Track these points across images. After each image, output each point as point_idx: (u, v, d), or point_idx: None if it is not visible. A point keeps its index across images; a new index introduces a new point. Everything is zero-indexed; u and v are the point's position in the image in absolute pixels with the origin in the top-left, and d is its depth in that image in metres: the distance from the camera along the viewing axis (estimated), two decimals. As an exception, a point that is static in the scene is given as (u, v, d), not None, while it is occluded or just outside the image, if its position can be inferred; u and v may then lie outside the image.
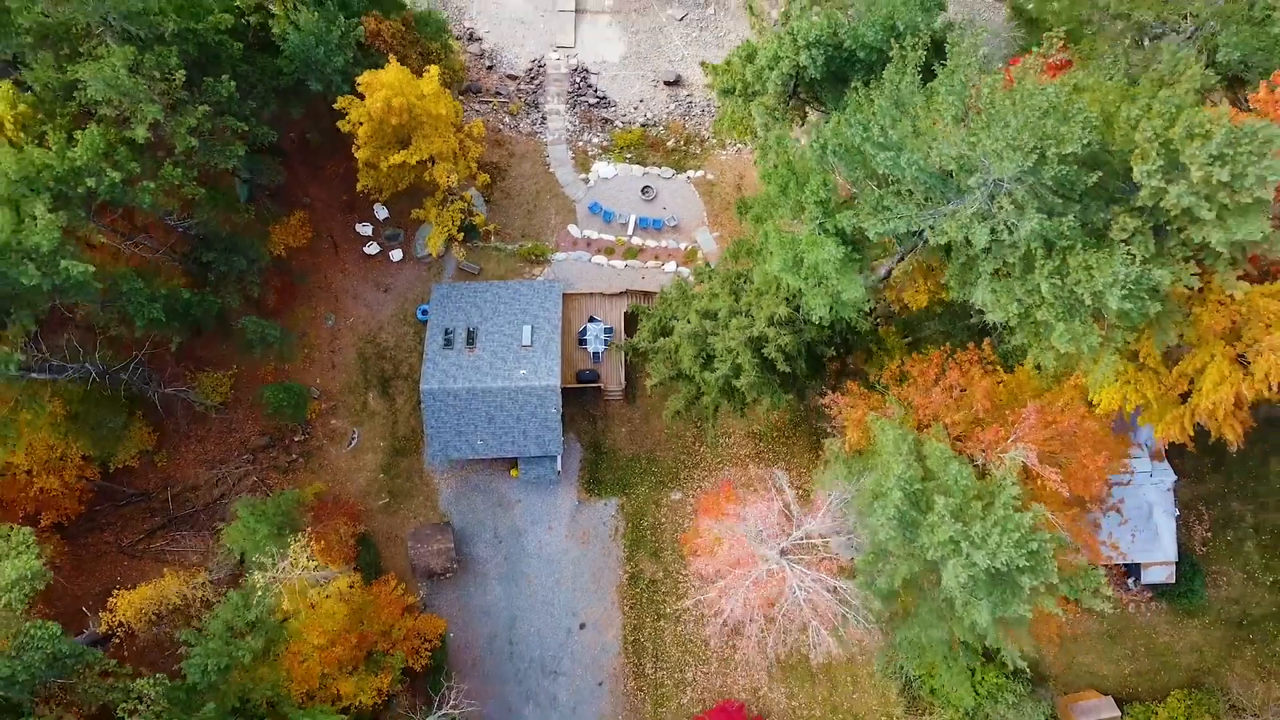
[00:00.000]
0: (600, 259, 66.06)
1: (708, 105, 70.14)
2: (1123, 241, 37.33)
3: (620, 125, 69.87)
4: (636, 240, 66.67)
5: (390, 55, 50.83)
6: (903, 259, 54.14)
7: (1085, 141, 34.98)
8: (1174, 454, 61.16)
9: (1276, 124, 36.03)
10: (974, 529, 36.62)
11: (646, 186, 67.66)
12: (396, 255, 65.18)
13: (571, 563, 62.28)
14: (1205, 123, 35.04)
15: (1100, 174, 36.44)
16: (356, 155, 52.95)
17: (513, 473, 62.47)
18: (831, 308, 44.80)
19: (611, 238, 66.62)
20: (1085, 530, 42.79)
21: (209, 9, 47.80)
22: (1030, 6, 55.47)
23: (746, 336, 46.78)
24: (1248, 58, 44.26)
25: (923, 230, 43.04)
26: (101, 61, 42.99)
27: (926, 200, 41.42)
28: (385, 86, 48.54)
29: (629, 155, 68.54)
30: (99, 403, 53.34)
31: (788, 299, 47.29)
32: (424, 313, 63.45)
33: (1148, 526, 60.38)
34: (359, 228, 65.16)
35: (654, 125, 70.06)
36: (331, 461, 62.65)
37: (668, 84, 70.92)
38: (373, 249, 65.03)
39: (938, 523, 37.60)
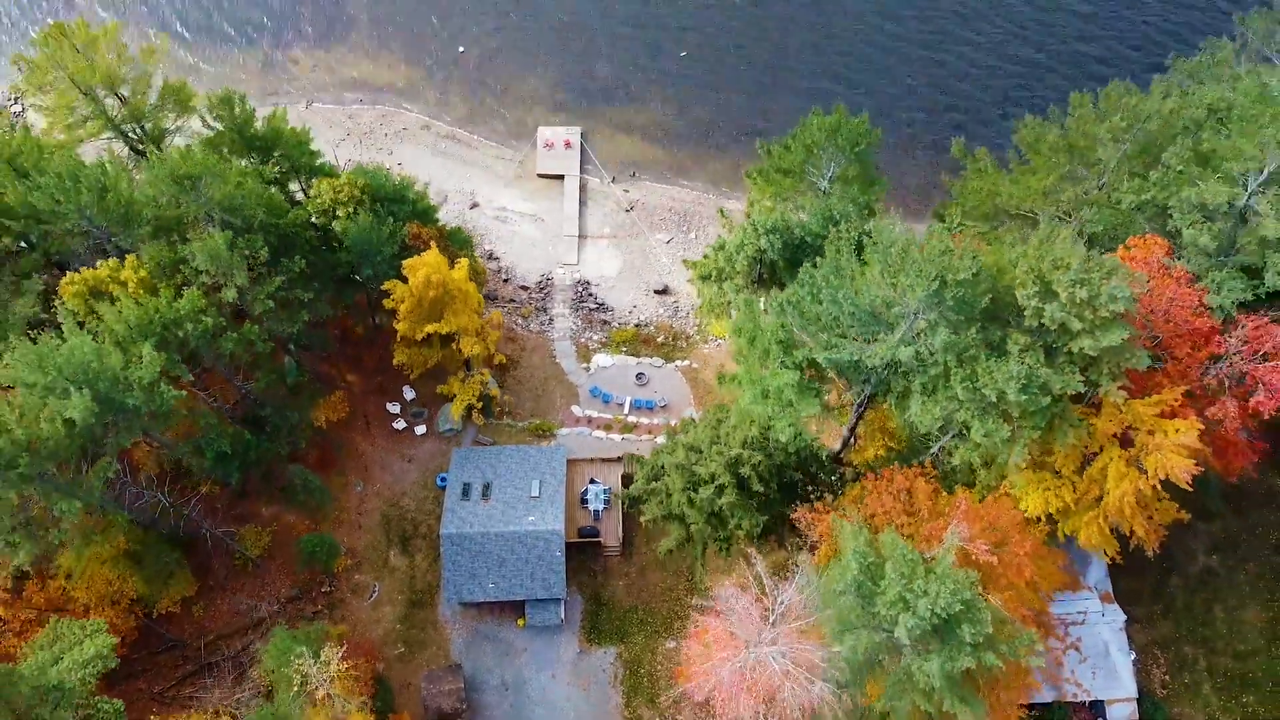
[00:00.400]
0: (600, 434, 75.27)
1: (691, 308, 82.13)
2: (1019, 352, 47.05)
3: (617, 325, 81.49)
4: (632, 418, 76.17)
5: (432, 243, 62.80)
6: (860, 415, 63.56)
7: (974, 270, 45.50)
8: (1123, 599, 67.34)
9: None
10: (917, 584, 43.44)
11: (640, 374, 78.09)
12: (420, 430, 74.40)
13: (573, 709, 66.33)
14: (1065, 256, 45.92)
15: (992, 295, 46.87)
16: (397, 327, 63.43)
17: (519, 622, 67.97)
18: (796, 434, 53.79)
19: (610, 416, 76.14)
20: (1022, 608, 48.94)
21: (286, 209, 60.30)
22: (946, 213, 68.57)
23: (725, 460, 55.15)
24: (1109, 230, 56.37)
25: (868, 377, 53.20)
26: (207, 241, 54.52)
27: (865, 340, 51.71)
28: (426, 265, 60.07)
29: (625, 348, 79.57)
30: (156, 541, 60.34)
31: (762, 430, 56.13)
32: (442, 480, 71.59)
33: (1106, 664, 65.39)
34: (389, 406, 74.88)
35: (646, 325, 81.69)
36: (354, 613, 68.33)
37: (657, 292, 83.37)
38: (400, 425, 74.38)
39: (889, 585, 44.40)
